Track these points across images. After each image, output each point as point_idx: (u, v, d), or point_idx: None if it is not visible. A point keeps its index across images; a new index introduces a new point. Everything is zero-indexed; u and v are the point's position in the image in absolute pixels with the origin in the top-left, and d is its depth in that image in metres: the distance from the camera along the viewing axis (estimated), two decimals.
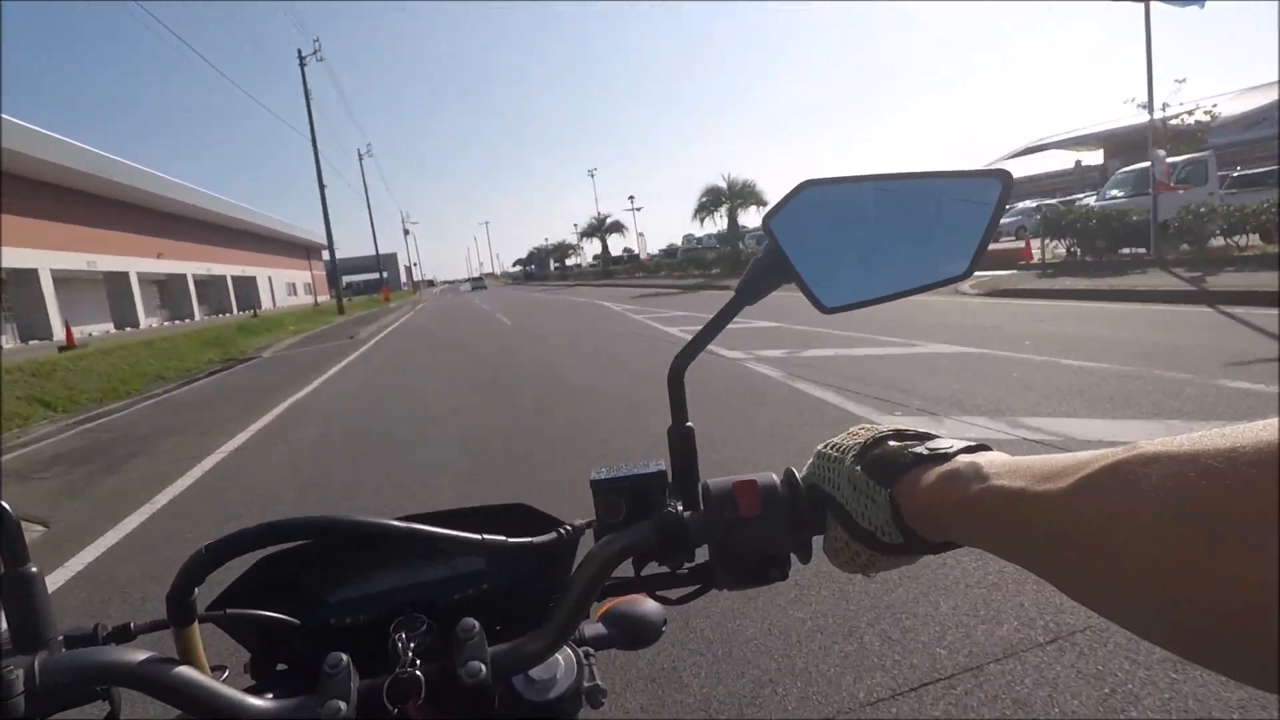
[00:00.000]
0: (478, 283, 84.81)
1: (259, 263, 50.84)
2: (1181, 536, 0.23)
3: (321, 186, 28.02)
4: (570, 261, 75.17)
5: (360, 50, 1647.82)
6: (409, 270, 69.46)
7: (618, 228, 53.50)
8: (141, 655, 0.41)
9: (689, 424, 0.49)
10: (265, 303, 49.85)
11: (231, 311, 42.05)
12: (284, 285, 57.01)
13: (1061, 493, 0.28)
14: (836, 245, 0.46)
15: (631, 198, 59.08)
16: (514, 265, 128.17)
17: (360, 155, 50.75)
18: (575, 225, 66.57)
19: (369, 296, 56.94)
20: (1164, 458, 0.25)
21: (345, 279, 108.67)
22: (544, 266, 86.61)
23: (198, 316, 36.35)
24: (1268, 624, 0.21)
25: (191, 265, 37.40)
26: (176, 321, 32.96)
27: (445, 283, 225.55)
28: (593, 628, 0.61)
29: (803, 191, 0.44)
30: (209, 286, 42.67)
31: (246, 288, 47.37)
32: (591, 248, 60.49)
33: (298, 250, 64.08)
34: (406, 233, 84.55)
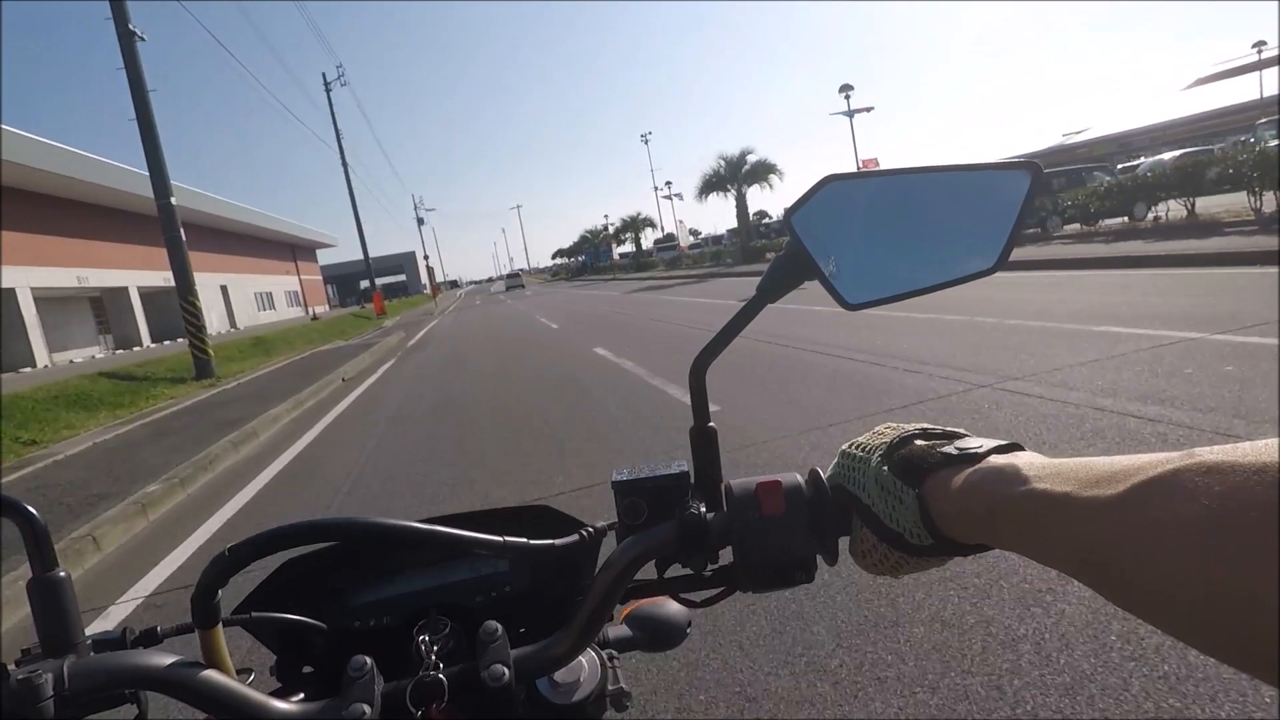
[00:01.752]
0: (513, 280, 64.23)
1: (202, 265, 34.69)
2: (1244, 548, 0.23)
3: (132, 60, 10.53)
4: (648, 244, 54.85)
5: (369, 35, 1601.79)
6: (430, 270, 52.77)
7: (763, 173, 27.92)
8: (168, 659, 0.42)
9: (711, 424, 0.48)
10: (216, 324, 33.99)
11: (140, 344, 26.27)
12: (252, 296, 41.04)
13: (1113, 499, 0.28)
14: (860, 241, 0.45)
15: (848, 90, 30.00)
16: (554, 258, 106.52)
17: (326, 83, 32.12)
18: (665, 185, 46.83)
19: (359, 307, 39.36)
20: (1225, 467, 0.25)
21: (363, 283, 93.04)
22: (603, 256, 64.54)
23: (41, 363, 20.32)
24: None
25: (33, 271, 21.26)
26: None
27: (472, 283, 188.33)
28: (617, 630, 0.61)
29: (825, 186, 0.44)
30: (110, 304, 27.00)
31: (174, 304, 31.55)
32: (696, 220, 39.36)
33: (278, 249, 48.03)
34: (421, 222, 64.76)
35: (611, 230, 59.25)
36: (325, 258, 59.86)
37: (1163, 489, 0.26)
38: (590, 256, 68.56)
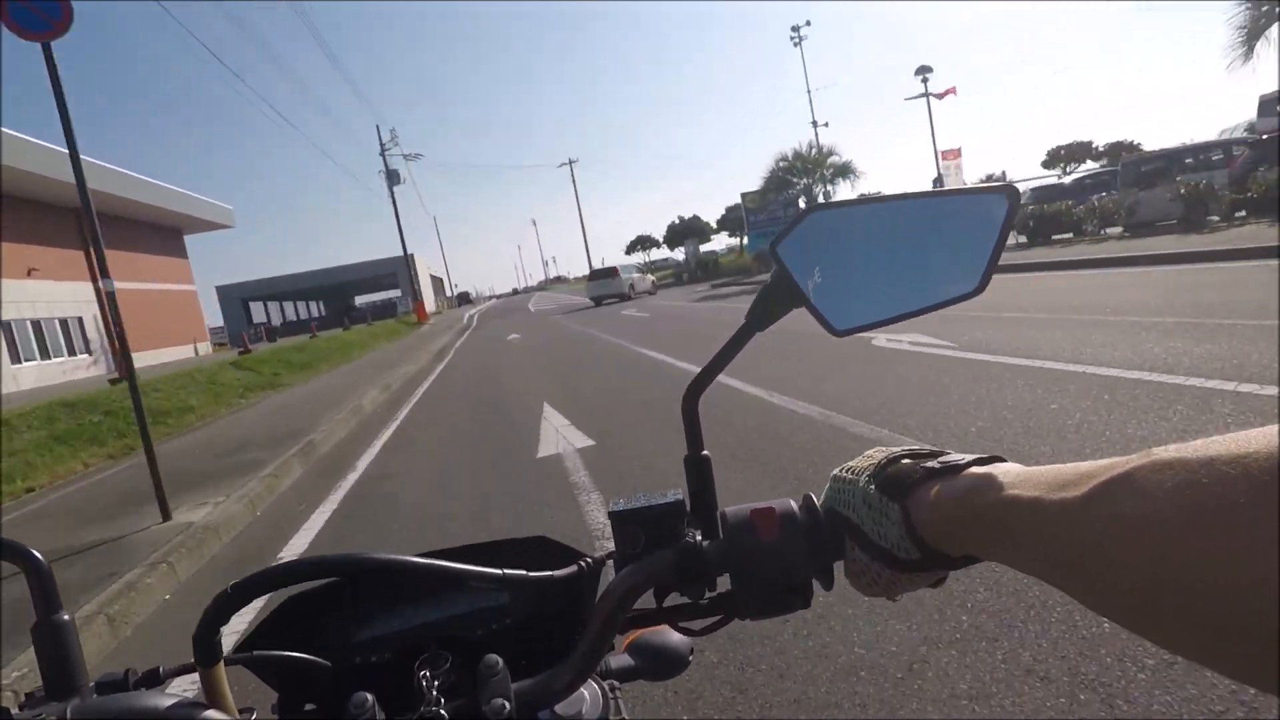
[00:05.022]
0: (606, 281, 28.52)
1: None
2: (1195, 541, 0.23)
3: None
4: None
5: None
6: (435, 280, 31.74)
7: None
8: (169, 700, 0.42)
9: (705, 453, 0.50)
10: None
11: None
12: None
13: (1075, 501, 0.29)
14: (845, 268, 0.47)
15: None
16: (632, 250, 59.52)
17: None
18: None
19: (308, 335, 19.01)
20: (1176, 464, 0.25)
21: (357, 298, 73.07)
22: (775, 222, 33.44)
23: None
24: None
25: None
26: None
27: (495, 296, 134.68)
28: (619, 660, 0.62)
29: (809, 216, 0.45)
30: None
31: None
32: None
33: (38, 216, 18.86)
34: (395, 176, 36.79)
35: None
36: (306, 263, 39.23)
37: (1117, 489, 0.27)
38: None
